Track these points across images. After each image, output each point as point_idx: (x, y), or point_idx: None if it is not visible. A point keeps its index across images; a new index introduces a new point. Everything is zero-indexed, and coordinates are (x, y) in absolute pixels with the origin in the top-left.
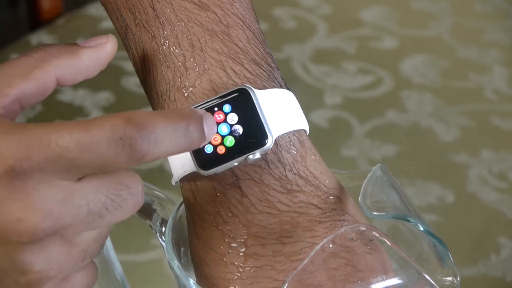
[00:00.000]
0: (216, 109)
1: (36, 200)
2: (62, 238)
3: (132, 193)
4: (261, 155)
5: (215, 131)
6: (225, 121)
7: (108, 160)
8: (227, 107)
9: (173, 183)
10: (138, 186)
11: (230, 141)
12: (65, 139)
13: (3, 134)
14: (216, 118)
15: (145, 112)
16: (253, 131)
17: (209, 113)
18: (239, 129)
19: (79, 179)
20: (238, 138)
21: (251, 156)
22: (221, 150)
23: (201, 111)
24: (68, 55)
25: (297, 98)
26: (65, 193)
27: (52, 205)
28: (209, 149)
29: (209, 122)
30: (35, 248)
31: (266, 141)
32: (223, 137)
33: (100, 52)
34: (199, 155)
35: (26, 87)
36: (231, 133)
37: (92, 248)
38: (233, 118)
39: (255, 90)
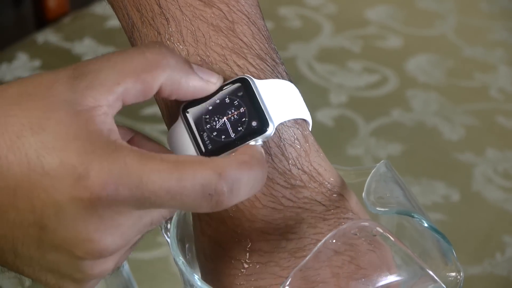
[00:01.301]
0: (217, 100)
1: (110, 226)
2: (124, 248)
3: None
4: (264, 144)
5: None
6: (226, 111)
7: (191, 208)
8: (228, 98)
9: None
10: None
11: (231, 130)
12: (155, 184)
13: (98, 156)
14: (217, 108)
15: (231, 163)
16: (254, 119)
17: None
18: (240, 117)
19: None
20: (239, 127)
21: (253, 143)
22: (223, 138)
23: (261, 149)
24: (182, 72)
25: (303, 97)
26: (137, 218)
27: (123, 230)
28: (211, 140)
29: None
30: (97, 261)
31: (267, 128)
32: (225, 127)
33: (205, 87)
34: (202, 146)
35: (132, 87)
36: (233, 121)
37: (139, 239)
38: (234, 107)
39: (255, 79)
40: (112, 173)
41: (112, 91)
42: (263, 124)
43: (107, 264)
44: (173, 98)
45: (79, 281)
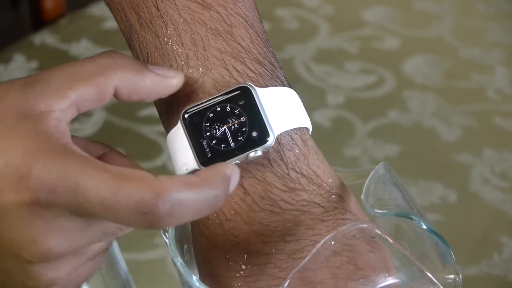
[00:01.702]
0: (217, 107)
1: (53, 228)
2: (74, 253)
3: None
4: (263, 153)
5: (237, 184)
6: (226, 118)
7: (125, 223)
8: (228, 105)
9: None
10: None
11: (231, 139)
12: (91, 193)
13: (42, 155)
14: (217, 115)
15: (176, 184)
16: (255, 129)
17: (236, 167)
18: (241, 127)
19: None
20: (239, 136)
21: (252, 154)
22: (222, 147)
23: (229, 168)
24: (134, 71)
25: (300, 98)
26: (83, 224)
27: (68, 234)
28: (211, 147)
29: (235, 178)
30: (46, 265)
31: (268, 139)
32: (225, 135)
33: (164, 83)
34: (200, 153)
35: (85, 92)
36: (233, 130)
37: (104, 247)
38: (234, 116)
39: (256, 88)
40: (52, 174)
41: (64, 96)
42: (264, 134)
43: (58, 270)
44: (135, 98)
45: None
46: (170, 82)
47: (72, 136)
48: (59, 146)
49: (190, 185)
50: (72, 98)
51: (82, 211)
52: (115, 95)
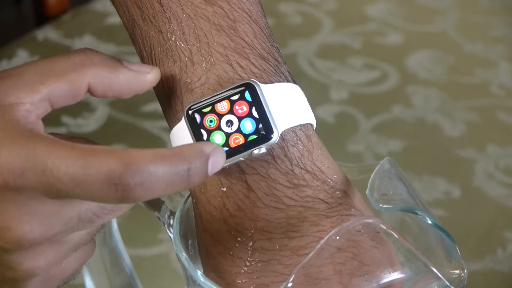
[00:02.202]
0: (221, 103)
1: (25, 213)
2: (51, 241)
3: None
4: (267, 149)
5: (221, 165)
6: (230, 115)
7: (98, 199)
8: (232, 102)
9: None
10: None
11: (235, 136)
12: (60, 170)
13: (8, 141)
14: (221, 112)
15: (145, 155)
16: (259, 126)
17: (220, 148)
18: (245, 123)
19: None
20: (243, 133)
21: (256, 151)
22: (227, 144)
23: (210, 147)
24: (108, 68)
25: (303, 94)
26: (56, 208)
27: (41, 218)
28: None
29: (217, 158)
30: (23, 252)
31: (272, 136)
32: (228, 132)
33: (138, 78)
34: None
35: (58, 87)
36: (237, 127)
37: (85, 238)
38: (238, 112)
39: (261, 84)
40: (19, 157)
41: (36, 90)
42: (268, 131)
43: (36, 259)
44: (110, 95)
45: (13, 281)
46: (145, 77)
47: (53, 133)
48: (24, 131)
49: (160, 156)
50: (44, 93)
51: (54, 191)
52: (90, 91)
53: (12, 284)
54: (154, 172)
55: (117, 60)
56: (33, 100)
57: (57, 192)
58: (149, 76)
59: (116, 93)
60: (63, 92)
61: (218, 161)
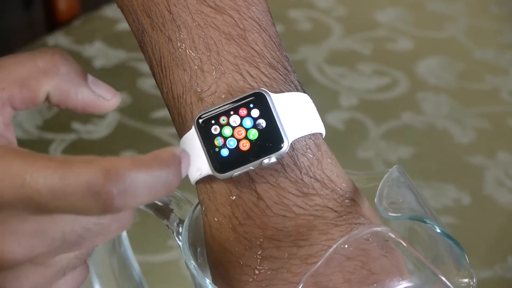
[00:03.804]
0: (232, 112)
1: (5, 232)
2: (34, 263)
3: (116, 218)
4: (277, 158)
5: (187, 169)
6: (240, 124)
7: (79, 210)
8: (243, 111)
9: (192, 183)
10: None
11: (246, 145)
12: (38, 182)
13: None
14: (231, 121)
15: (126, 162)
16: (269, 135)
17: (185, 152)
18: (255, 132)
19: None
20: (253, 142)
21: (266, 160)
22: (237, 153)
23: (177, 150)
24: (71, 83)
25: (313, 100)
26: (38, 226)
27: (22, 238)
28: (225, 152)
29: (186, 160)
30: (2, 274)
31: (282, 145)
32: (239, 141)
33: (95, 102)
34: (214, 159)
35: (18, 93)
36: (247, 137)
37: (73, 262)
38: (248, 122)
39: (271, 93)
40: None
41: None
42: (278, 141)
43: (19, 281)
44: (64, 108)
45: None
46: (102, 103)
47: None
48: None
49: (140, 162)
50: (4, 98)
51: (33, 205)
52: (48, 99)
53: None
54: (136, 178)
55: (83, 76)
56: None
57: (37, 205)
58: (106, 104)
59: (69, 108)
60: (23, 98)
61: (186, 164)
